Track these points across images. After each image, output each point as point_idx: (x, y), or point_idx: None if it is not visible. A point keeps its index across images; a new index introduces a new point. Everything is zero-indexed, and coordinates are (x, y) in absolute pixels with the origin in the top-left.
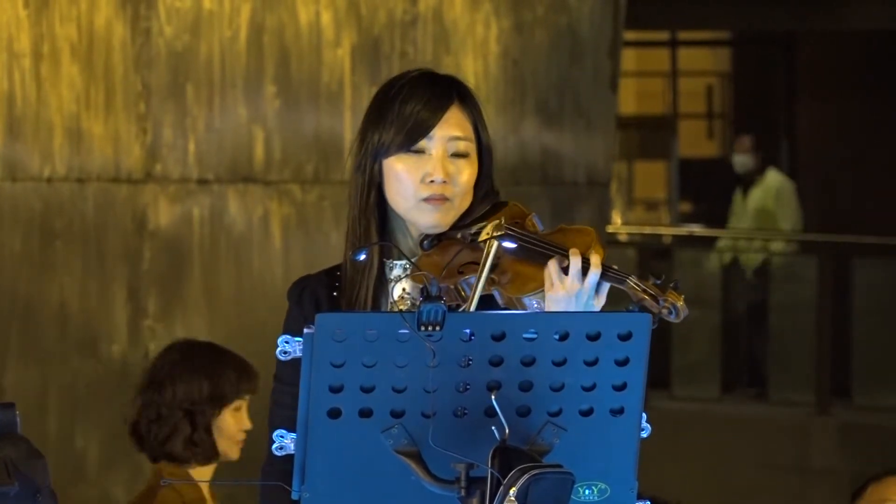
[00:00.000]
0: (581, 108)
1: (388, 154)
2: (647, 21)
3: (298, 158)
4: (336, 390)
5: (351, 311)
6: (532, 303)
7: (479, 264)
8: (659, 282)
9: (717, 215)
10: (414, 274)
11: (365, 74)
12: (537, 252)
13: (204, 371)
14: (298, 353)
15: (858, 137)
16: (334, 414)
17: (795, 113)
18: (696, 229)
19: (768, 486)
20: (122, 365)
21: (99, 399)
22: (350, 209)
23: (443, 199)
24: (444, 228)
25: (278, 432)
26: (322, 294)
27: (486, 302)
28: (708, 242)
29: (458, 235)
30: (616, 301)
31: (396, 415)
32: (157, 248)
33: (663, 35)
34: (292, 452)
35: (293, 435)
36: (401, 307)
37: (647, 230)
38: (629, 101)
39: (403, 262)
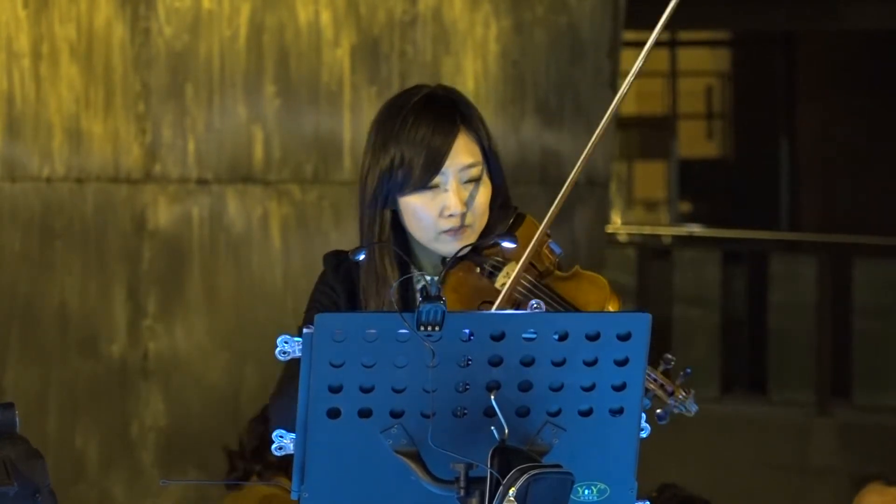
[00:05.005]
0: (581, 108)
1: (402, 193)
2: (647, 21)
3: (298, 158)
4: (335, 390)
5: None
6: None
7: (493, 304)
8: (669, 367)
9: (717, 215)
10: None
11: (364, 74)
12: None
13: None
14: (298, 353)
15: (858, 137)
16: (334, 414)
17: (795, 113)
18: (696, 229)
19: (768, 485)
20: (122, 365)
21: (98, 399)
22: (362, 239)
23: (463, 228)
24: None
25: (278, 432)
26: (356, 276)
27: None
28: (708, 242)
29: (478, 270)
30: None
31: (396, 415)
32: (156, 248)
33: (663, 35)
34: (291, 452)
35: (292, 435)
36: None
37: (647, 230)
38: (629, 101)
39: (429, 278)
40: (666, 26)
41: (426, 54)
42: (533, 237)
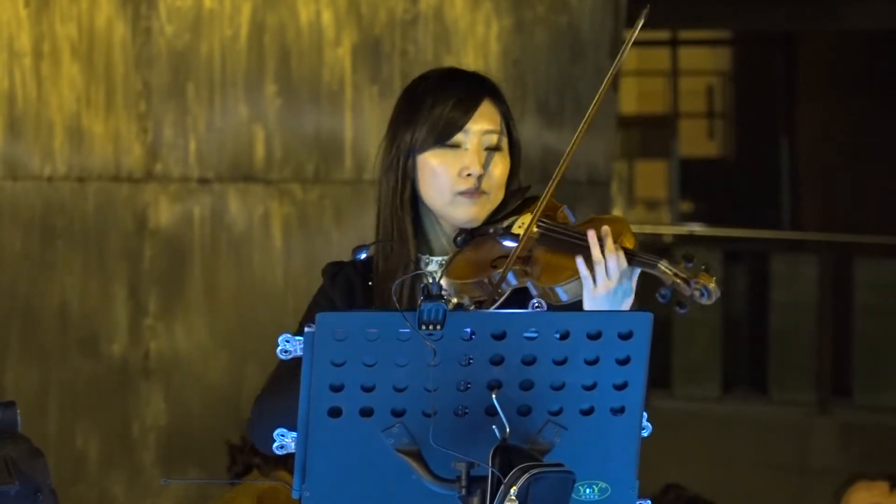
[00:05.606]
0: (581, 107)
1: (422, 150)
2: (648, 20)
3: (299, 158)
4: (337, 389)
5: (381, 307)
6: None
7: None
8: (690, 264)
9: (718, 215)
10: (447, 270)
11: (365, 74)
12: (569, 243)
13: None
14: (299, 352)
15: (858, 137)
16: (335, 413)
17: (796, 112)
18: (697, 229)
19: (768, 485)
20: (123, 364)
21: (99, 398)
22: (381, 209)
23: (479, 192)
24: (479, 223)
25: (279, 431)
26: (357, 281)
27: (521, 294)
28: (708, 242)
29: (491, 230)
30: (650, 288)
31: (397, 414)
32: (157, 248)
33: (664, 34)
34: (293, 451)
35: (294, 434)
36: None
37: (648, 229)
38: (630, 100)
39: (439, 258)
40: (663, 26)
41: (427, 53)
42: (548, 209)
